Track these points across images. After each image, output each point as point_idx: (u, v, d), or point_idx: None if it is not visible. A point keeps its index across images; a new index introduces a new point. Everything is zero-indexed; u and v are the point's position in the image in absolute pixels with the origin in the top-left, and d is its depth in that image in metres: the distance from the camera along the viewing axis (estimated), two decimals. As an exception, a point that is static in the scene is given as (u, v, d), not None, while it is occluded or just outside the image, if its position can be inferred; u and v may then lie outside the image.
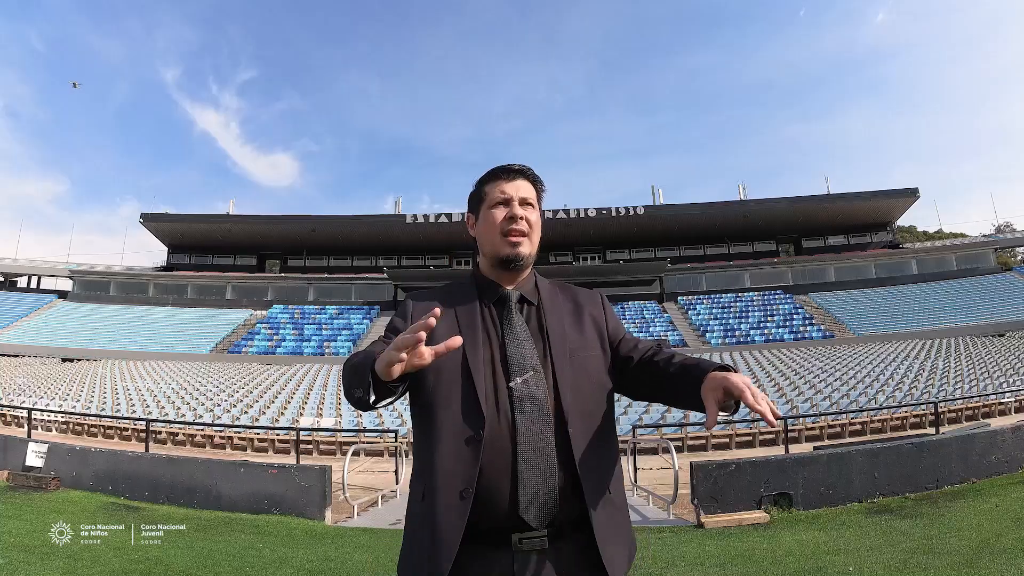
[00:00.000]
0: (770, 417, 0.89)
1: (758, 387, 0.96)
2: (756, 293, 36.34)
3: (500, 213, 1.22)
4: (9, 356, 27.90)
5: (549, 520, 1.03)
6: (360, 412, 14.07)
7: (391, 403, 1.01)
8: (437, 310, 0.94)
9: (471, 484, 1.01)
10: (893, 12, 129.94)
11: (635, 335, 1.27)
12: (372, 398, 0.98)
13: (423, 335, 0.90)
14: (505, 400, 1.07)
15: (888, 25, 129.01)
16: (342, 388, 1.13)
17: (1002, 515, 4.37)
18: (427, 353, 0.92)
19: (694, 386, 1.03)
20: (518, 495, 1.01)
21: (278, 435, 12.07)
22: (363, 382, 0.98)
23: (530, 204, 1.24)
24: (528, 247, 1.22)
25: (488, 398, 1.08)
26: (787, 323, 31.75)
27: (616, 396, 1.25)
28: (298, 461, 7.73)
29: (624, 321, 32.74)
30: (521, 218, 1.20)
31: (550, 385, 1.10)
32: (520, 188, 1.23)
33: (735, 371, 0.99)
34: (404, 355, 0.90)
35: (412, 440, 1.21)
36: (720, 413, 0.96)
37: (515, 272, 1.23)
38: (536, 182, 1.28)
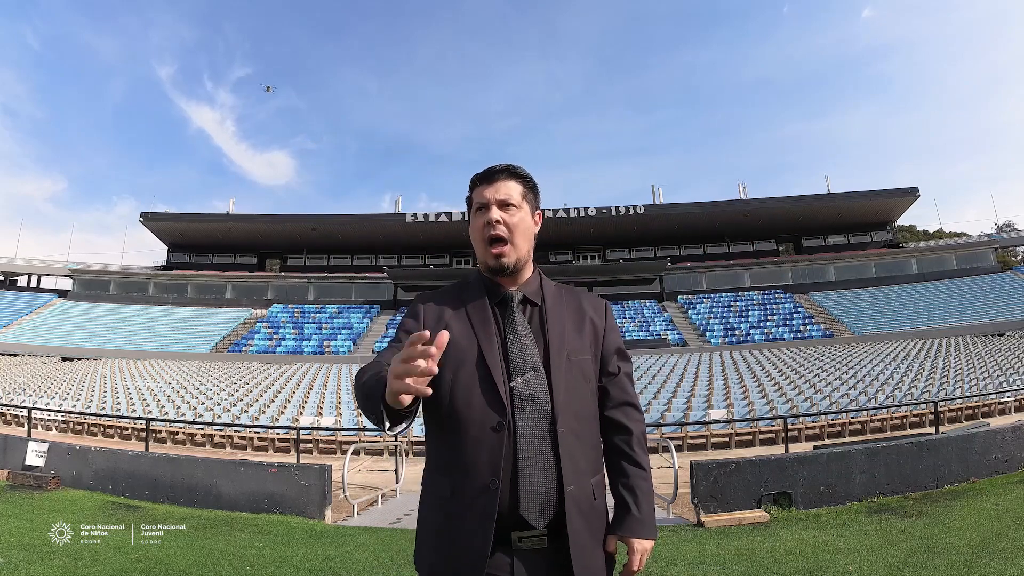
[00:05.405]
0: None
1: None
2: (756, 292, 36.32)
3: (480, 220, 1.19)
4: (9, 355, 27.90)
5: (548, 519, 1.03)
6: (360, 411, 14.07)
7: (409, 425, 0.97)
8: (444, 337, 0.86)
9: (497, 474, 1.02)
10: (879, 8, 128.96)
11: (624, 379, 1.23)
12: (387, 425, 0.93)
13: (423, 364, 0.83)
14: (507, 399, 1.07)
15: (876, 21, 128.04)
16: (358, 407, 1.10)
17: (1002, 514, 4.36)
18: (431, 366, 0.85)
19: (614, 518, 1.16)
20: (518, 493, 1.02)
21: (278, 434, 12.07)
22: (376, 410, 0.93)
23: (511, 205, 1.18)
24: (511, 254, 1.17)
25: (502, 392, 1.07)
26: (787, 322, 31.74)
27: None
28: (298, 460, 7.73)
29: (624, 320, 32.73)
30: (497, 222, 1.16)
31: (548, 385, 1.10)
32: (499, 190, 1.19)
33: (644, 537, 1.11)
34: (410, 382, 0.83)
35: (425, 437, 1.18)
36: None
37: (508, 276, 1.21)
38: (521, 179, 1.22)
